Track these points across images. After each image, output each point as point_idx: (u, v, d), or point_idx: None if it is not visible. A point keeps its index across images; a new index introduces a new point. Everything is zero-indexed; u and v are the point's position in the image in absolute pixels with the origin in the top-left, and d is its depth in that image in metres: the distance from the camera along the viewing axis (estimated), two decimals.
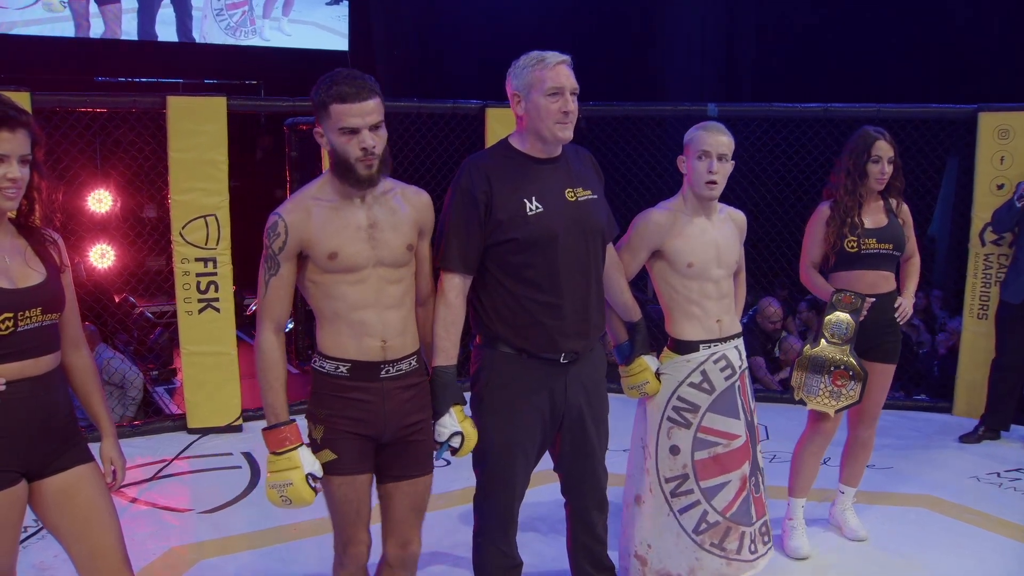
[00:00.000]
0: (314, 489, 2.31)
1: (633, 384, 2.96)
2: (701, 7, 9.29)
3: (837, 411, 3.42)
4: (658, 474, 2.97)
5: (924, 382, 6.13)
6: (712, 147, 2.86)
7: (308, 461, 2.31)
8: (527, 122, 2.55)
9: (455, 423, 2.50)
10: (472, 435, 2.54)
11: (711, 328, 2.97)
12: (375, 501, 2.51)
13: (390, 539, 2.52)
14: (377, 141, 2.28)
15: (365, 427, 2.38)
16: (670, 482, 2.96)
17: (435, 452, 2.52)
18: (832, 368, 3.37)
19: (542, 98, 2.49)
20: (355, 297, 2.34)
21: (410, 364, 2.43)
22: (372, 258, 2.34)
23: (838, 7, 8.40)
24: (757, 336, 6.10)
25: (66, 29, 8.65)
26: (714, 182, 2.87)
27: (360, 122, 2.24)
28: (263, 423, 2.39)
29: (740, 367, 3.02)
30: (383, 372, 2.37)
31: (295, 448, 2.31)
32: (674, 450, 2.95)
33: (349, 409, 2.36)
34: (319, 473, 2.33)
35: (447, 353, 2.53)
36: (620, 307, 2.93)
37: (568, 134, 2.55)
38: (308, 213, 2.32)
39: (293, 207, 2.34)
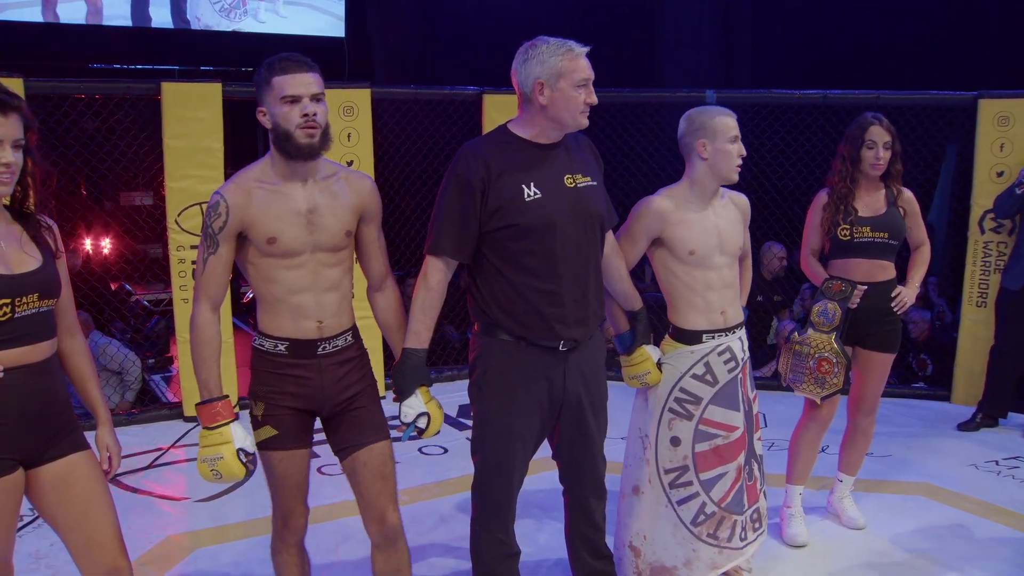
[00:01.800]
0: (244, 464, 2.32)
1: (634, 374, 2.93)
2: None
3: (823, 398, 3.41)
4: (657, 465, 2.94)
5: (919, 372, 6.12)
6: (738, 130, 2.86)
7: (239, 436, 2.34)
8: (549, 110, 2.50)
9: (421, 404, 2.52)
10: (438, 416, 2.56)
11: (715, 319, 2.94)
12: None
13: (368, 518, 2.54)
14: (319, 111, 2.31)
15: (304, 402, 2.44)
16: (669, 473, 2.94)
17: (402, 434, 2.54)
18: (817, 355, 3.36)
19: (572, 88, 2.47)
20: (292, 281, 2.40)
21: (346, 340, 2.50)
22: (310, 243, 2.39)
23: None
24: (762, 290, 6.07)
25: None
26: (740, 165, 2.89)
27: (302, 91, 2.29)
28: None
29: (743, 358, 2.99)
30: (320, 349, 2.44)
31: (227, 423, 2.34)
32: (675, 441, 2.93)
33: (288, 385, 2.42)
34: (250, 448, 2.35)
35: (420, 336, 2.54)
36: (620, 295, 2.90)
37: (587, 123, 2.56)
38: (249, 196, 2.36)
39: (235, 188, 2.38)
